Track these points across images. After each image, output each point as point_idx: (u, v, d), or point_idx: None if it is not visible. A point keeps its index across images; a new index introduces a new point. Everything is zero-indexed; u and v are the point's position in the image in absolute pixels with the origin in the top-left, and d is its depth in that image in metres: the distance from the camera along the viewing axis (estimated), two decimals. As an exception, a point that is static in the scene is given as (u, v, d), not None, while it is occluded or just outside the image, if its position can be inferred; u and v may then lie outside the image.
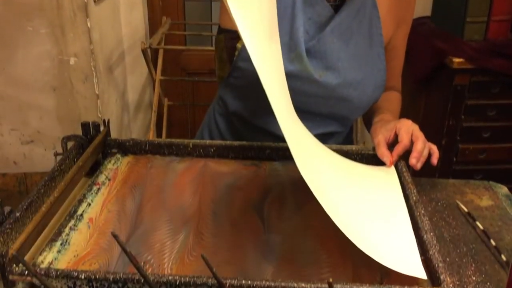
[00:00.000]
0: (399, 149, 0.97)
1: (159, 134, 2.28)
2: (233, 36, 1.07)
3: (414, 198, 0.87)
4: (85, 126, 1.05)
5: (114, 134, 1.10)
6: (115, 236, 0.55)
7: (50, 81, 1.76)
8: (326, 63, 1.03)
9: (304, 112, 1.03)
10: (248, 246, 0.81)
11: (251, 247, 0.81)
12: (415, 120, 1.00)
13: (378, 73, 1.07)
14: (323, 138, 1.09)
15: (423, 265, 0.73)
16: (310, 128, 1.07)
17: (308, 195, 0.94)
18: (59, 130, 1.82)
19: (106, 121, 1.09)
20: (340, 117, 1.10)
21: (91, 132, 1.06)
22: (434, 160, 0.94)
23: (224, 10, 1.10)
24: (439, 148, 0.96)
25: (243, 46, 1.03)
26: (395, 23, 1.13)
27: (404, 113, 1.14)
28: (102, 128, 1.08)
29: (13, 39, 1.70)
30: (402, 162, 0.98)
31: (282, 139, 1.09)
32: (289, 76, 0.98)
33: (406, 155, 0.96)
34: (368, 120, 1.14)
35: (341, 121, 1.12)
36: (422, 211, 0.83)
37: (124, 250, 0.56)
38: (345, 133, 1.20)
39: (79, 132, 1.05)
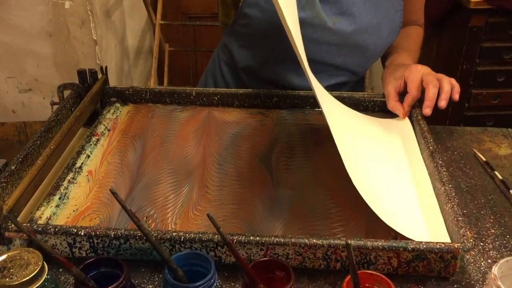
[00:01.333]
0: (408, 100, 0.92)
1: (160, 81, 2.22)
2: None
3: (431, 147, 0.82)
4: (81, 73, 0.99)
5: (114, 82, 1.05)
6: (114, 193, 0.51)
7: (46, 26, 1.68)
8: (340, 8, 0.95)
9: (316, 62, 0.97)
10: (256, 200, 0.77)
11: (258, 200, 0.77)
12: (425, 65, 0.94)
13: (395, 15, 1.00)
14: (335, 88, 1.04)
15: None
16: (322, 79, 1.01)
17: (317, 145, 0.90)
18: (57, 78, 1.76)
19: (104, 68, 1.03)
20: (353, 66, 1.03)
21: (88, 80, 1.00)
22: (455, 96, 0.88)
23: None
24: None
25: None
26: None
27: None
28: (100, 75, 1.03)
29: (4, -18, 1.61)
30: (417, 110, 0.93)
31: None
32: (300, 23, 0.91)
33: (423, 99, 0.91)
34: (384, 60, 1.07)
35: (355, 70, 1.05)
36: (440, 162, 0.78)
37: (124, 208, 0.52)
38: (355, 81, 1.14)
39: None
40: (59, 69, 1.76)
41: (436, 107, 0.87)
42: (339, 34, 0.96)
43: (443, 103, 0.86)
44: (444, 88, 0.86)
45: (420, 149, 0.86)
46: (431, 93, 0.86)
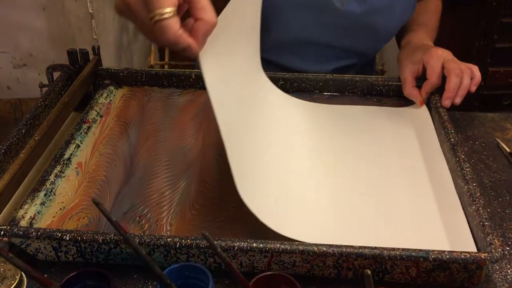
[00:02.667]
0: (427, 87, 0.85)
1: (161, 56, 2.14)
2: None
3: (453, 140, 0.75)
4: (71, 54, 0.92)
5: (112, 57, 0.97)
6: (97, 204, 0.45)
7: (38, -2, 1.59)
8: None
9: (321, 45, 0.89)
10: (259, 197, 0.70)
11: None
12: (440, 42, 0.86)
13: (409, -8, 0.91)
14: (343, 70, 0.96)
15: None
16: (329, 62, 0.94)
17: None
18: (52, 53, 1.68)
19: (96, 48, 0.95)
20: (363, 48, 0.95)
21: (79, 60, 0.93)
22: (473, 88, 0.81)
23: None
24: None
25: None
26: None
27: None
28: (92, 56, 0.95)
29: (-7, -50, 1.52)
30: (436, 96, 0.85)
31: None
32: (305, 5, 0.83)
33: (442, 85, 0.83)
34: (399, 38, 0.99)
35: (365, 53, 0.97)
36: (463, 156, 0.71)
37: (109, 220, 0.46)
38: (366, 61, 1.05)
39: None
40: (54, 44, 1.68)
41: None
42: (348, 16, 0.87)
43: (457, 100, 0.80)
44: (463, 82, 0.79)
45: (440, 141, 0.78)
46: (452, 83, 0.79)
